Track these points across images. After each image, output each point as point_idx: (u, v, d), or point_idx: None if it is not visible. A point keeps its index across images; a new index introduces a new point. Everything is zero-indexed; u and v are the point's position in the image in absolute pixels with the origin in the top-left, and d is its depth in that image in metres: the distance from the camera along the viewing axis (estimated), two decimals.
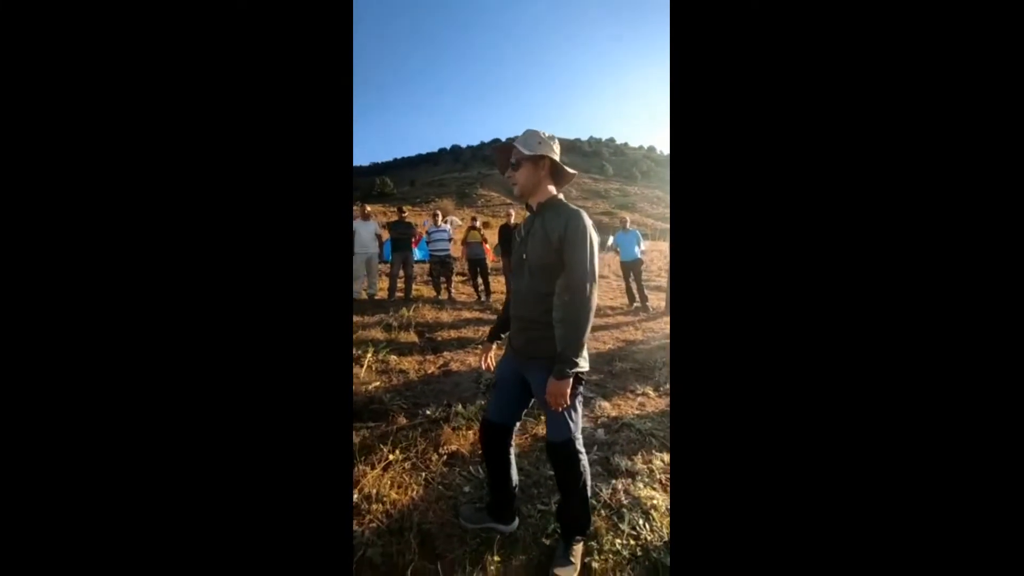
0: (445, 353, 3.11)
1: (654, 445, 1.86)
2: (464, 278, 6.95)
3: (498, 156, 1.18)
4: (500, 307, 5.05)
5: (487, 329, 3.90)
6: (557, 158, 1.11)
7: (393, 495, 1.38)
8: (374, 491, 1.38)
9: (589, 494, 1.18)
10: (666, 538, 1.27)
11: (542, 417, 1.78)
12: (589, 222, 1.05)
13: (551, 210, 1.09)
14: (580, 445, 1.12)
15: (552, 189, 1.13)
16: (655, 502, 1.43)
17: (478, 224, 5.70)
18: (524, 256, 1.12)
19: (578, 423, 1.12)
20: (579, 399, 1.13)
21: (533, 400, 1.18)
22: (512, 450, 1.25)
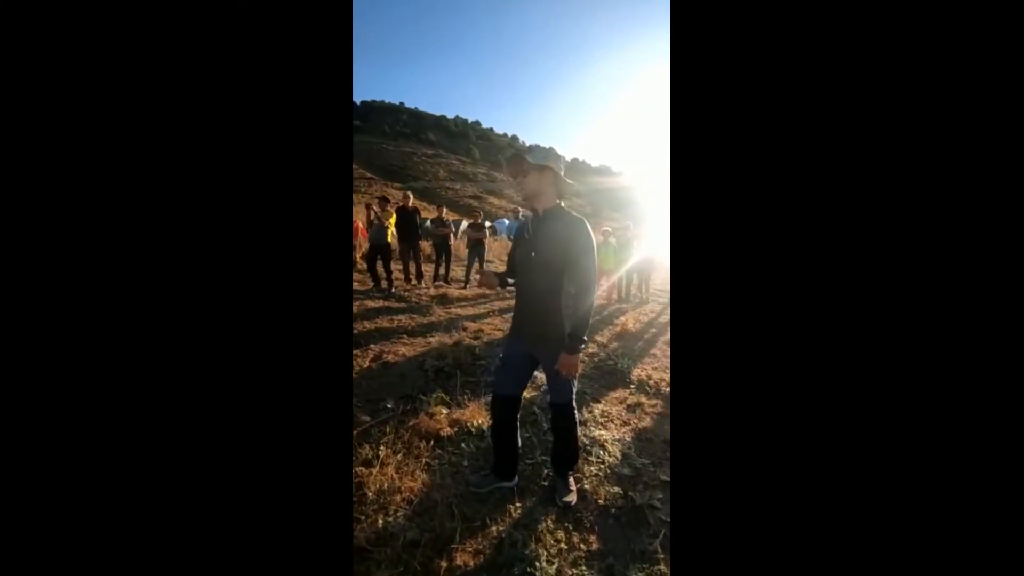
0: (372, 346, 2.99)
1: (587, 400, 2.39)
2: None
3: (511, 163, 1.36)
4: (406, 295, 4.85)
5: (403, 318, 3.86)
6: (561, 172, 1.37)
7: (408, 482, 1.45)
8: (384, 485, 1.42)
9: (579, 440, 1.56)
10: (619, 459, 1.78)
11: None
12: (590, 229, 1.36)
13: (556, 215, 1.35)
14: (574, 404, 1.48)
15: (554, 196, 1.38)
16: (604, 438, 1.93)
17: (388, 207, 5.00)
18: (533, 254, 1.36)
19: (574, 388, 1.46)
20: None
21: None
22: (518, 417, 1.51)
